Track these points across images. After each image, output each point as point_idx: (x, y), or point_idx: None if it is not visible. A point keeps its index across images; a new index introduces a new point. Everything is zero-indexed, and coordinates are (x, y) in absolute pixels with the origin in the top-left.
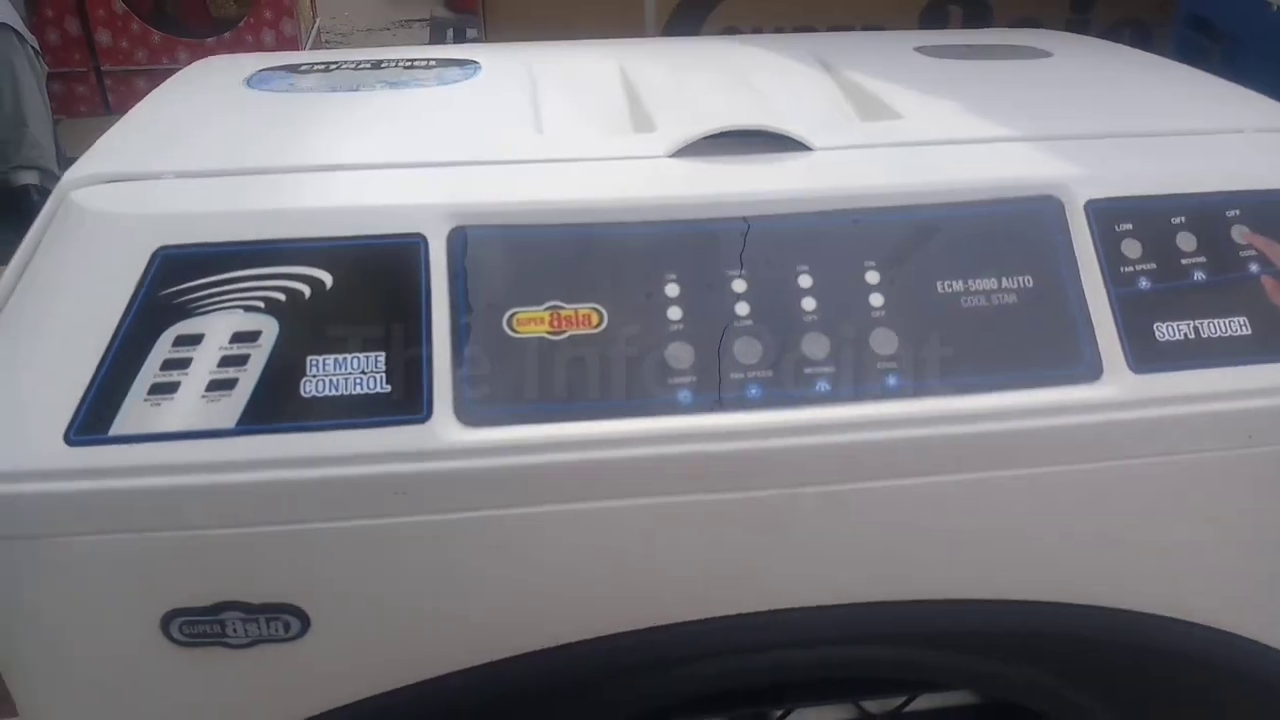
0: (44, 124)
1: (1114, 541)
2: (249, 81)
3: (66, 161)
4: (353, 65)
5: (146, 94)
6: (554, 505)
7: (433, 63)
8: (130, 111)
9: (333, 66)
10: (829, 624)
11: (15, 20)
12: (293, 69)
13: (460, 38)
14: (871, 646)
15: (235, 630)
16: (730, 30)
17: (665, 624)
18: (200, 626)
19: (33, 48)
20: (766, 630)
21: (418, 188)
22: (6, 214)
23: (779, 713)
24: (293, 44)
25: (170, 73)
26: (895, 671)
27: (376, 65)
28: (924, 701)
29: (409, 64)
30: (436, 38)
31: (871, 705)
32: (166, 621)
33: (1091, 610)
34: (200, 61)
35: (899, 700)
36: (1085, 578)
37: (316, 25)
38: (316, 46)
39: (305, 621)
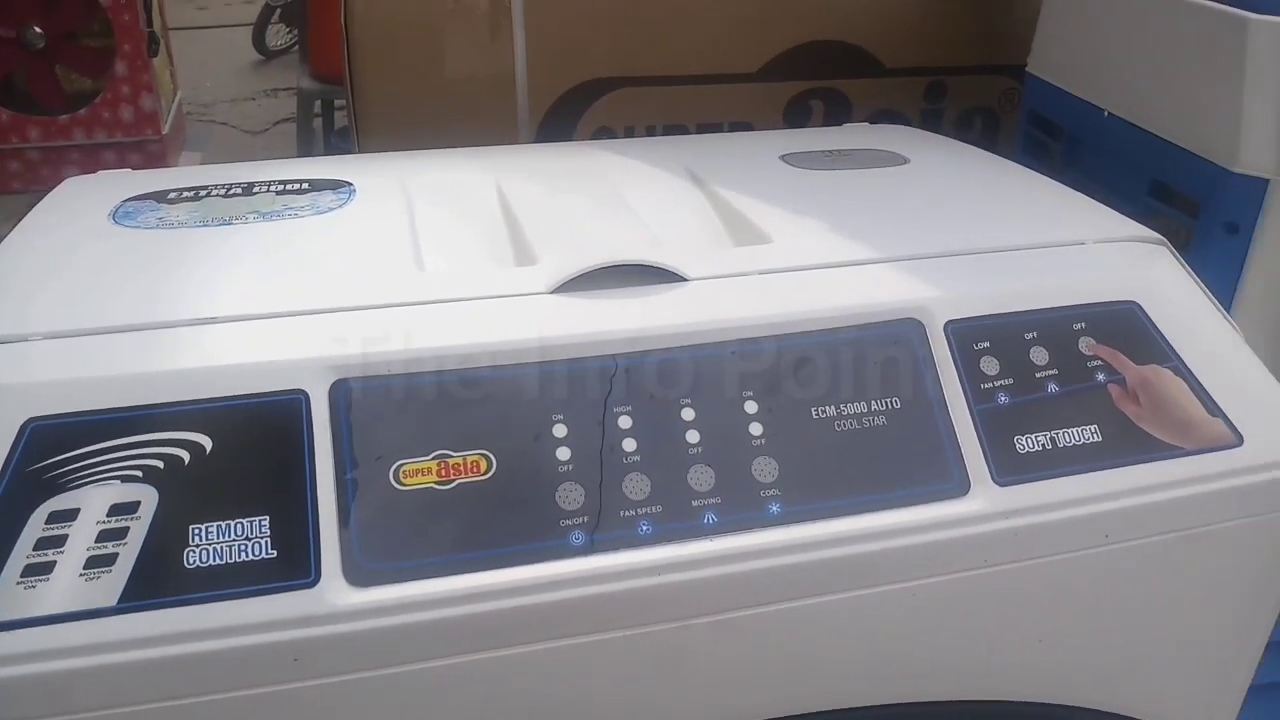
0: None
1: (991, 639)
2: (114, 215)
3: None
4: (222, 191)
5: None
6: (451, 658)
7: (306, 185)
8: None
9: (202, 193)
10: None
11: None
12: (160, 197)
13: (328, 110)
14: None
15: None
16: (603, 131)
17: None
18: None
19: None
20: None
21: (296, 340)
22: None
23: None
24: (153, 119)
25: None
26: None
27: (248, 190)
28: None
29: (281, 187)
30: (304, 109)
31: None
32: None
33: (974, 705)
34: (66, 185)
35: None
36: (966, 674)
37: (178, 98)
38: (178, 120)
39: None
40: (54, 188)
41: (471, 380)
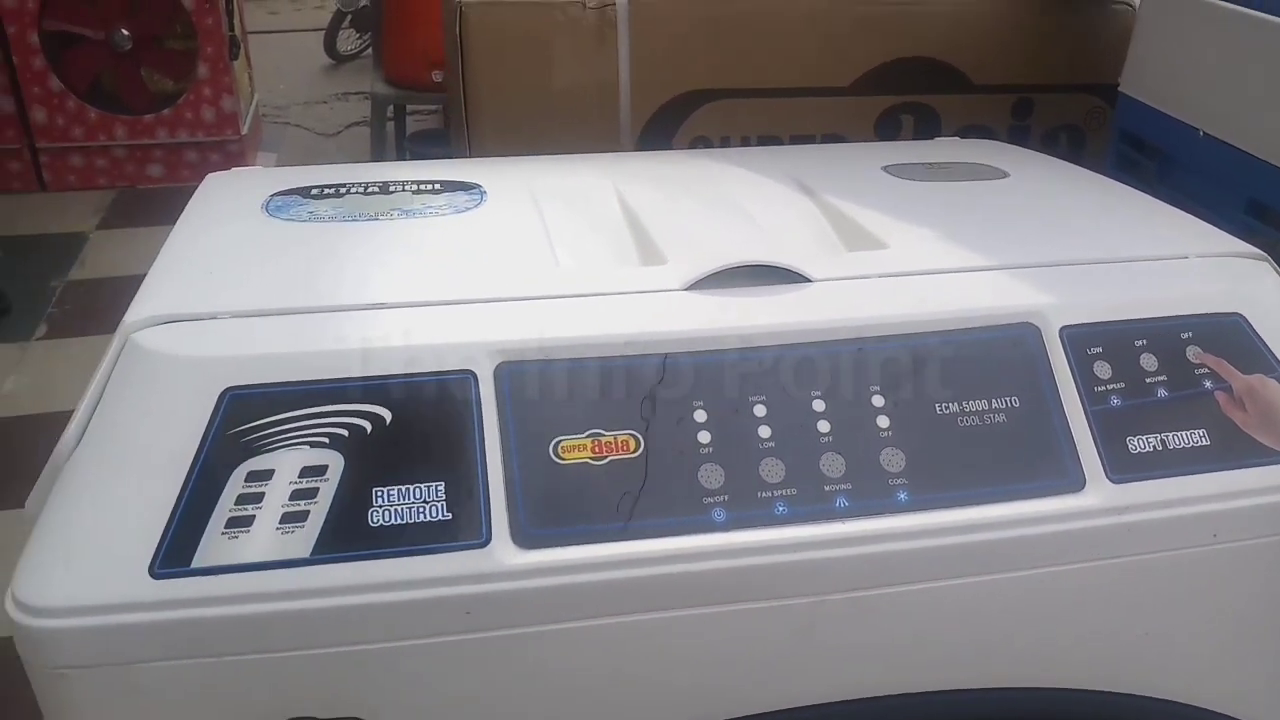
0: None
1: (1099, 630)
2: (267, 208)
3: (4, 241)
4: (362, 189)
5: (81, 170)
6: (603, 619)
7: (438, 186)
8: (164, 247)
9: (343, 190)
10: (856, 717)
11: None
12: (304, 193)
13: (400, 114)
14: None
15: None
16: (700, 140)
17: None
18: None
19: None
20: None
21: (462, 325)
22: None
23: None
24: (233, 120)
25: (106, 149)
26: None
27: (385, 189)
28: None
29: (416, 187)
30: (378, 114)
31: None
32: None
33: (1079, 693)
34: (209, 180)
35: None
36: (1073, 663)
37: (255, 100)
38: (256, 121)
39: None
40: (137, 185)
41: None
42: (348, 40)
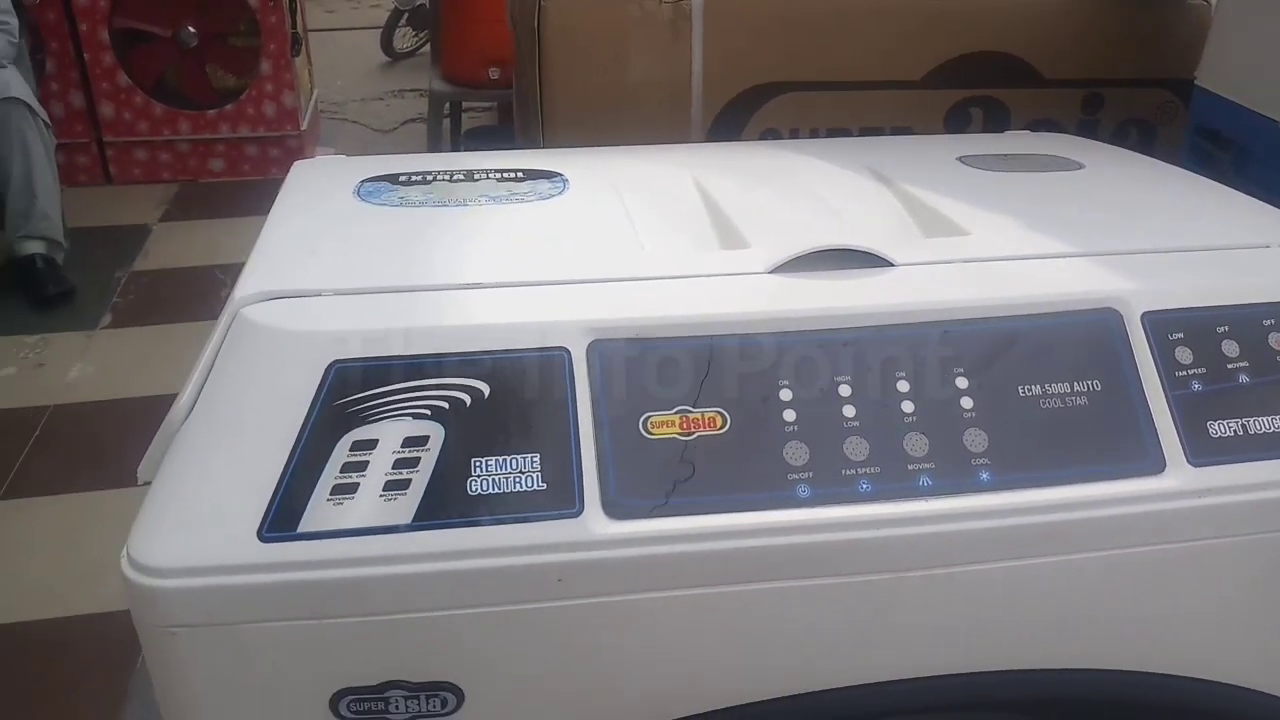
0: (52, 196)
1: (1176, 614)
2: (359, 193)
3: (70, 232)
4: (447, 176)
5: (145, 164)
6: (690, 589)
7: (521, 174)
8: (264, 229)
9: (429, 178)
10: (928, 693)
11: (28, 95)
12: (392, 180)
13: (457, 111)
14: (960, 713)
15: (398, 707)
16: (770, 133)
17: (787, 695)
18: (366, 704)
19: (44, 121)
20: (873, 699)
21: (555, 305)
22: (14, 287)
23: None
24: (293, 116)
25: (170, 144)
26: None
27: (470, 176)
28: None
29: (500, 175)
30: (435, 110)
31: None
32: (336, 700)
33: (1157, 677)
34: (298, 167)
35: None
36: (1150, 647)
37: (315, 96)
38: (314, 117)
39: (460, 698)
40: (199, 179)
41: (708, 346)
42: (404, 38)
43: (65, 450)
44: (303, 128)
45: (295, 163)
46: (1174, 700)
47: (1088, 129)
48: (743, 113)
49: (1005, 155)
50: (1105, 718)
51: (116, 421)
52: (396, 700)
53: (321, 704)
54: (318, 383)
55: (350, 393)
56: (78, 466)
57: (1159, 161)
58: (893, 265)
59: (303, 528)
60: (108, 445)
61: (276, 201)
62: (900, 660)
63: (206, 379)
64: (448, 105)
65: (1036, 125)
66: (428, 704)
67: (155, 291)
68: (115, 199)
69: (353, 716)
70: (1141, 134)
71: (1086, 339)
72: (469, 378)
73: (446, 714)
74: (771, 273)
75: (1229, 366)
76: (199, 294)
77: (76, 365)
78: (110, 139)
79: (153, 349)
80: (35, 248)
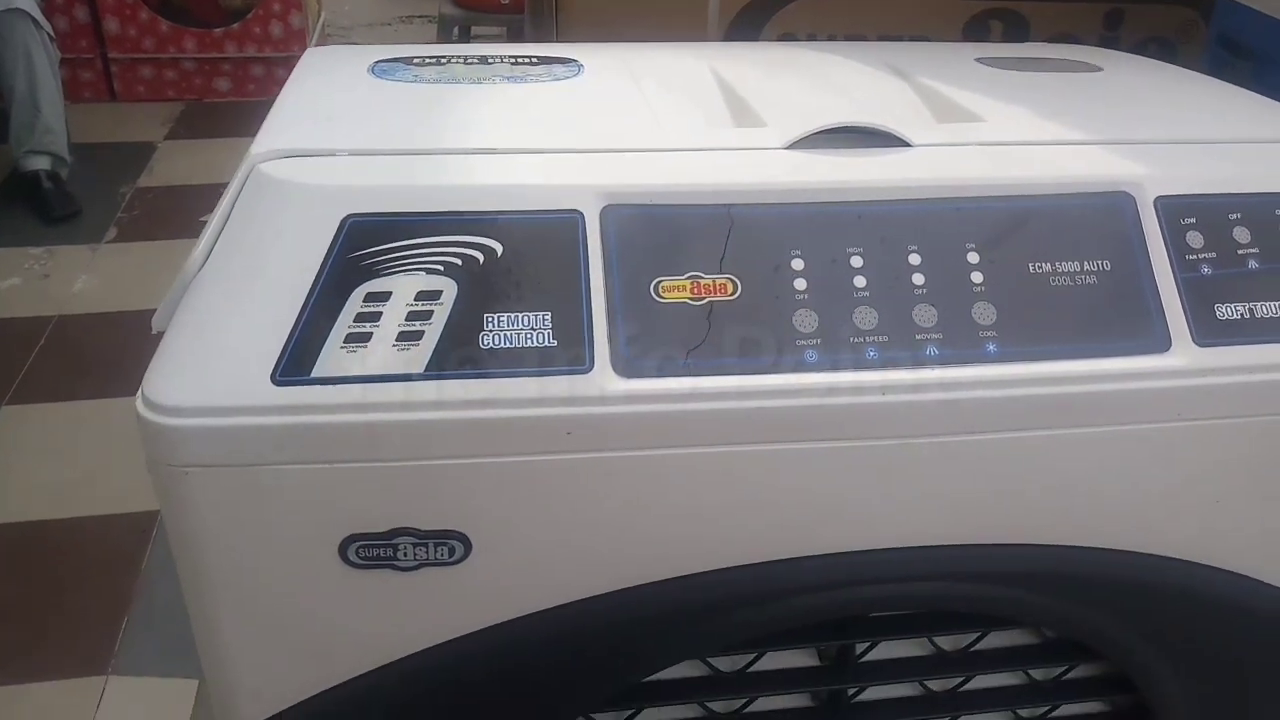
0: (57, 110)
1: (1174, 494)
2: (373, 71)
3: (75, 148)
4: (462, 60)
5: (150, 82)
6: (696, 448)
7: (536, 60)
8: (278, 99)
9: (444, 61)
10: (928, 561)
11: (32, 6)
12: (407, 61)
13: (465, 35)
14: (957, 583)
15: (406, 554)
16: (787, 35)
17: (787, 558)
18: (375, 550)
19: (48, 34)
20: (874, 565)
21: (571, 170)
22: (19, 199)
23: (863, 646)
24: (300, 37)
25: (176, 62)
26: (973, 606)
27: (484, 60)
28: (991, 641)
29: (514, 60)
30: (443, 35)
31: (945, 643)
32: (345, 546)
33: (1154, 558)
34: (309, 55)
35: (971, 637)
36: (1148, 527)
37: (322, 19)
38: (322, 40)
39: (468, 546)
40: (204, 98)
41: (723, 214)
42: None
43: (70, 359)
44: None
45: (308, 50)
46: (1167, 583)
47: (1107, 45)
48: (760, 16)
49: (1023, 58)
50: (1102, 596)
51: (120, 333)
52: (405, 547)
53: (331, 549)
54: (332, 235)
55: (365, 246)
56: (82, 375)
57: (1178, 67)
58: (909, 145)
59: (316, 372)
60: (111, 355)
61: (290, 79)
62: (902, 529)
63: (221, 232)
64: (456, 30)
65: (1055, 40)
66: (435, 552)
67: (160, 208)
68: (120, 116)
69: (361, 562)
70: (1161, 52)
71: (1098, 221)
72: (483, 236)
73: (454, 563)
74: (788, 148)
75: (1239, 252)
76: (204, 211)
77: (81, 277)
78: (115, 55)
79: (157, 264)
80: (40, 163)
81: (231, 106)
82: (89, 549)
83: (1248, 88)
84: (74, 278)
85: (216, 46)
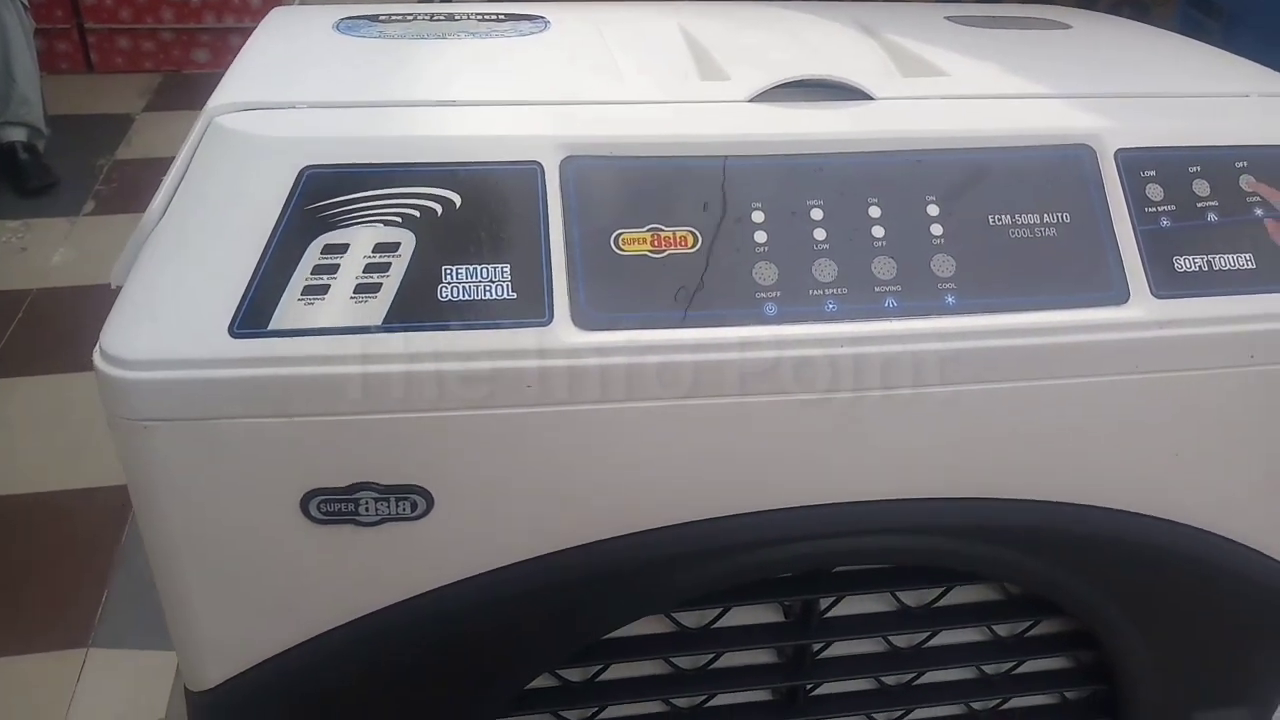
0: (32, 80)
1: (1133, 447)
2: (338, 27)
3: (52, 120)
4: (428, 17)
5: (128, 52)
6: (655, 401)
7: (503, 16)
8: (239, 55)
9: (409, 18)
10: (888, 515)
11: None
12: (373, 19)
13: None
14: (918, 536)
15: (367, 509)
16: None
17: (746, 512)
18: (336, 505)
19: (22, 3)
20: (834, 519)
21: (530, 122)
22: None
23: (827, 602)
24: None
25: (154, 32)
26: (934, 560)
27: (451, 17)
28: (955, 597)
29: (481, 16)
30: None
31: (910, 600)
32: (306, 501)
33: (1108, 512)
34: (273, 14)
35: (935, 593)
36: (1106, 480)
37: None
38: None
39: (430, 501)
40: (182, 69)
41: (683, 167)
42: None
43: (49, 332)
44: None
45: (273, 9)
46: (1127, 538)
47: (1084, 7)
48: None
49: (993, 16)
50: (1063, 551)
51: (99, 306)
52: (366, 502)
53: (292, 504)
54: (290, 187)
55: (322, 198)
56: (61, 348)
57: (1148, 26)
58: (871, 98)
59: (273, 325)
60: (90, 328)
61: (253, 35)
62: (862, 483)
63: (179, 185)
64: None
65: (1028, 3)
66: (397, 507)
67: (138, 180)
68: (97, 88)
69: (323, 518)
70: (1135, 12)
71: (1059, 173)
72: (441, 188)
73: (416, 517)
74: (750, 101)
75: (1199, 205)
76: None
77: (59, 250)
78: (92, 25)
79: None
80: (16, 135)
81: (210, 77)
82: (69, 523)
83: (1218, 47)
84: (52, 251)
85: (194, 17)
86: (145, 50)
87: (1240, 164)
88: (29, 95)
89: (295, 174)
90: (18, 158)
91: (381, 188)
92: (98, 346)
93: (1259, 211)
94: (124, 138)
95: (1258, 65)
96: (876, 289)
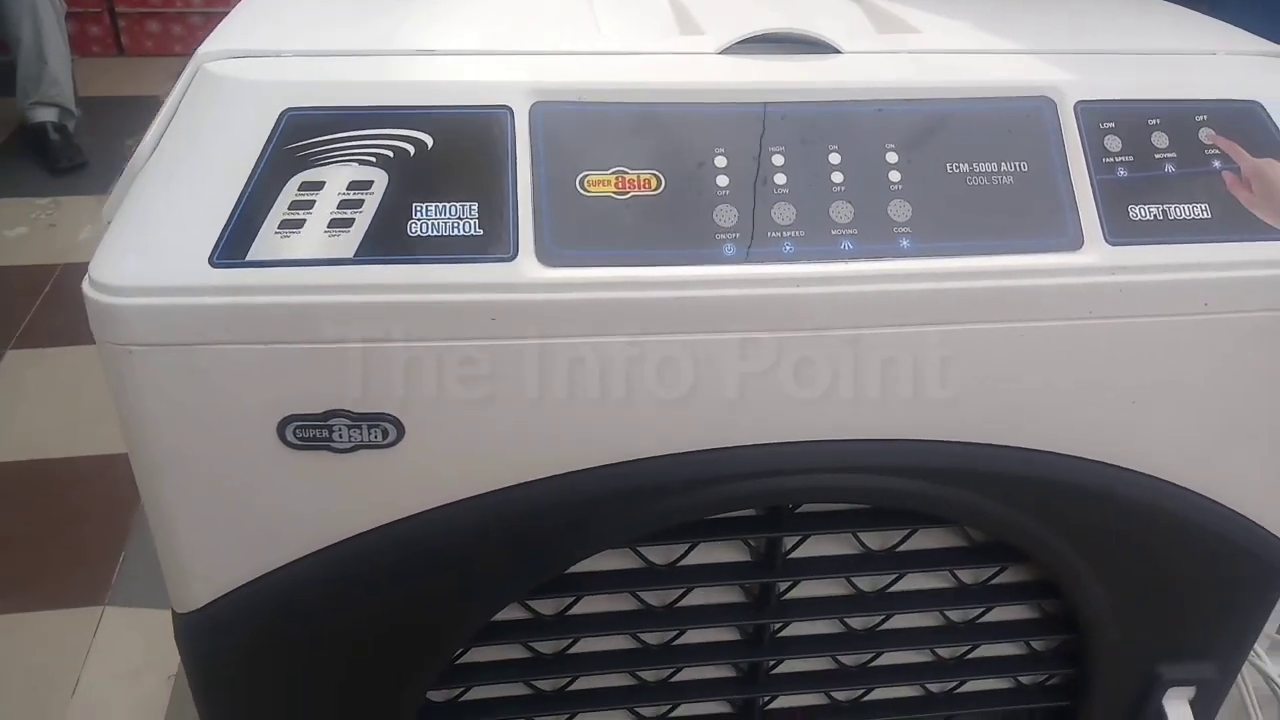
0: (63, 62)
1: (1088, 392)
2: None
3: (82, 101)
4: None
5: (158, 36)
6: (617, 336)
7: None
8: (234, 8)
9: None
10: (842, 455)
11: None
12: None
13: None
14: (872, 476)
15: (341, 435)
16: None
17: (707, 448)
18: (311, 431)
19: None
20: (793, 456)
21: (504, 69)
22: (25, 151)
23: (793, 542)
24: None
25: (183, 16)
26: (890, 500)
27: None
28: (920, 542)
29: None
30: None
31: (874, 544)
32: (283, 426)
33: (1065, 459)
34: None
35: (899, 536)
36: (1059, 427)
37: None
38: None
39: (400, 430)
40: None
41: (649, 113)
42: None
43: (74, 306)
44: None
45: None
46: (1085, 484)
47: None
48: None
49: None
50: (1022, 496)
51: None
52: (340, 429)
53: (270, 429)
54: (271, 128)
55: (301, 139)
56: (85, 321)
57: None
58: (839, 52)
59: (251, 256)
60: None
61: None
62: (819, 422)
63: (168, 127)
64: None
65: None
66: (369, 434)
67: None
68: (127, 70)
69: (299, 443)
70: None
71: (1019, 124)
72: (414, 129)
73: (387, 445)
74: (720, 53)
75: (1156, 156)
76: None
77: (87, 227)
78: (122, 9)
79: None
80: (47, 115)
81: None
82: (89, 487)
83: (1205, 13)
84: (79, 228)
85: (223, 1)
86: (175, 34)
87: (1200, 117)
88: (60, 77)
89: (276, 116)
90: (48, 138)
91: (358, 129)
92: (87, 275)
93: (1217, 164)
94: (153, 119)
95: (1228, 25)
96: (833, 232)
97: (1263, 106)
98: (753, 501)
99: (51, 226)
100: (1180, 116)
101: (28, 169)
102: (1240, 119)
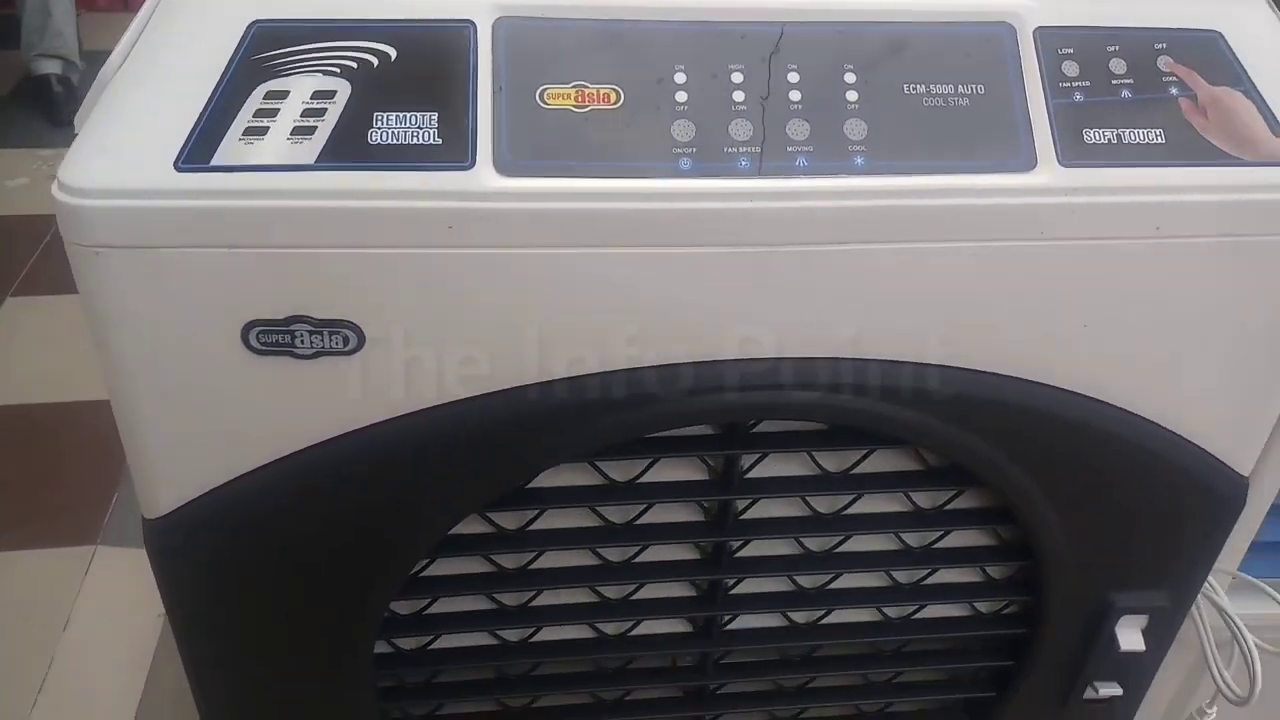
0: (68, 15)
1: (1039, 315)
2: None
3: (86, 55)
4: None
5: None
6: (573, 248)
7: None
8: None
9: None
10: (793, 373)
11: None
12: None
13: None
14: (825, 394)
15: (303, 341)
16: None
17: (659, 364)
18: (274, 336)
19: None
20: (744, 373)
21: None
22: (28, 102)
23: (751, 460)
24: None
25: None
26: (841, 419)
27: None
28: (877, 464)
29: None
30: None
31: (831, 466)
32: (246, 331)
33: (1013, 381)
34: None
35: (856, 457)
36: (1018, 350)
37: None
38: None
39: (361, 337)
40: None
41: (610, 29)
42: None
43: None
44: None
45: None
46: (1037, 408)
47: None
48: None
49: None
50: (975, 418)
51: None
52: (301, 334)
53: (234, 334)
54: (239, 38)
55: (268, 49)
56: None
57: None
58: None
59: (215, 161)
60: None
61: None
62: (766, 339)
63: (138, 39)
64: None
65: None
66: (330, 340)
67: None
68: None
69: (262, 348)
70: None
71: (977, 48)
72: (378, 41)
73: (349, 352)
74: None
75: (1114, 82)
76: None
77: None
78: None
79: None
80: (50, 67)
81: None
82: (83, 431)
83: None
84: None
85: None
86: None
87: (1160, 45)
88: (64, 29)
89: (244, 27)
90: (52, 90)
91: (322, 41)
92: (55, 178)
93: (1174, 90)
94: None
95: None
96: (789, 149)
97: (1223, 36)
98: (705, 417)
99: (53, 178)
100: (1139, 44)
101: (31, 120)
102: (1200, 48)
